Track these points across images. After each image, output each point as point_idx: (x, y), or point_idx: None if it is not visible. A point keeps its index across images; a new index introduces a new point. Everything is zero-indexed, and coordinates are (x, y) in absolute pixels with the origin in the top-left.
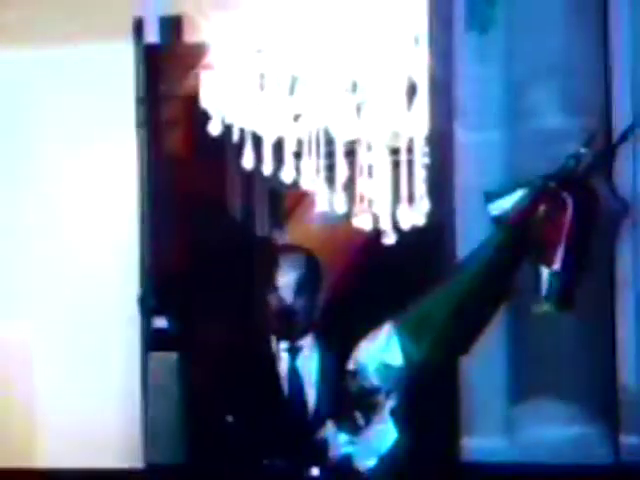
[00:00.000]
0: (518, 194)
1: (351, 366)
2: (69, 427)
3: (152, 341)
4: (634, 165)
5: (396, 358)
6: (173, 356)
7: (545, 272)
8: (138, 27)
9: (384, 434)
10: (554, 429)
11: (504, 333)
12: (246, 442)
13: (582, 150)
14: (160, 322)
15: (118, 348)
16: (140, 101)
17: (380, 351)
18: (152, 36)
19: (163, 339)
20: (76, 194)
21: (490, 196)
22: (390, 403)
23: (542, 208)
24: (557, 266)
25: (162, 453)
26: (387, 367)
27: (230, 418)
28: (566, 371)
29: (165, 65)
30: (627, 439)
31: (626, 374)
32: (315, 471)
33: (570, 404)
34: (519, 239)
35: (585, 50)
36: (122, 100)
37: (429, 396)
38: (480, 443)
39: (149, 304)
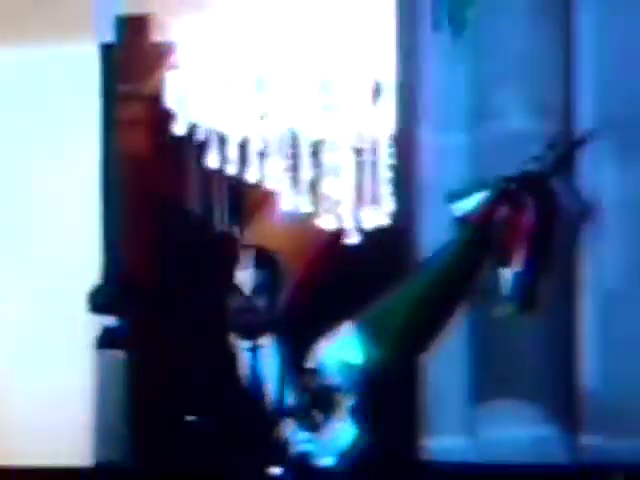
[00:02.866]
0: (481, 195)
1: (311, 364)
2: (18, 424)
3: (101, 339)
4: (595, 167)
5: (356, 357)
6: (121, 354)
7: (507, 273)
8: (102, 27)
9: (343, 432)
10: (514, 429)
11: (465, 333)
12: (204, 441)
13: (544, 152)
14: (110, 320)
15: (69, 345)
16: (104, 100)
17: (340, 350)
18: (115, 35)
19: (112, 337)
20: (38, 192)
21: (453, 196)
22: (349, 402)
23: (504, 209)
24: (518, 267)
25: (112, 451)
26: (347, 366)
27: (190, 417)
28: (526, 371)
29: (130, 64)
30: (586, 439)
31: (586, 375)
32: (275, 469)
33: (530, 404)
34: (481, 240)
35: (549, 52)
36: (86, 99)
37: (389, 395)
38: (440, 443)
39: (99, 301)
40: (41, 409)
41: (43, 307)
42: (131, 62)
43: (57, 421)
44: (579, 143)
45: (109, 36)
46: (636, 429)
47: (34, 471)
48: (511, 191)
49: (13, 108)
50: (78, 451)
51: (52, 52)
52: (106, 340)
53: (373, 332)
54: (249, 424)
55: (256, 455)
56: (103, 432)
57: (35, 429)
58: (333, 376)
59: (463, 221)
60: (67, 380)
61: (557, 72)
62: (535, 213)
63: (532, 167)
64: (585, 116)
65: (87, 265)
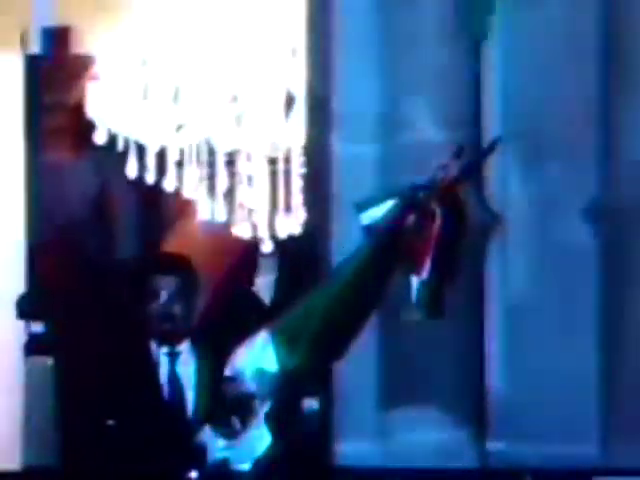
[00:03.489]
0: (388, 204)
1: (228, 372)
2: None
3: (28, 345)
4: (501, 176)
5: (271, 364)
6: (49, 360)
7: (415, 280)
8: (26, 38)
9: (259, 439)
10: (423, 434)
11: (376, 340)
12: (125, 446)
13: (450, 161)
14: (36, 327)
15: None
16: (28, 111)
17: (256, 357)
18: (39, 47)
19: (39, 344)
20: None
21: (361, 206)
22: (265, 408)
23: (411, 218)
24: (425, 275)
25: (39, 455)
26: (262, 373)
27: (110, 422)
28: (435, 378)
29: (53, 75)
30: (493, 445)
31: (493, 381)
32: (193, 475)
33: (439, 410)
34: (389, 248)
35: (457, 63)
36: (10, 110)
37: (302, 402)
38: (351, 448)
39: (25, 308)
40: None
41: None
42: (54, 73)
43: None
44: (485, 152)
45: (38, 47)
46: (540, 434)
47: None
48: (418, 199)
49: None
50: (6, 454)
51: None
52: (33, 346)
53: (287, 340)
54: (168, 429)
55: (175, 460)
56: (31, 436)
57: None
58: (249, 383)
59: (371, 230)
60: None
61: (465, 83)
62: (442, 222)
63: (439, 176)
64: (493, 127)
65: (13, 272)
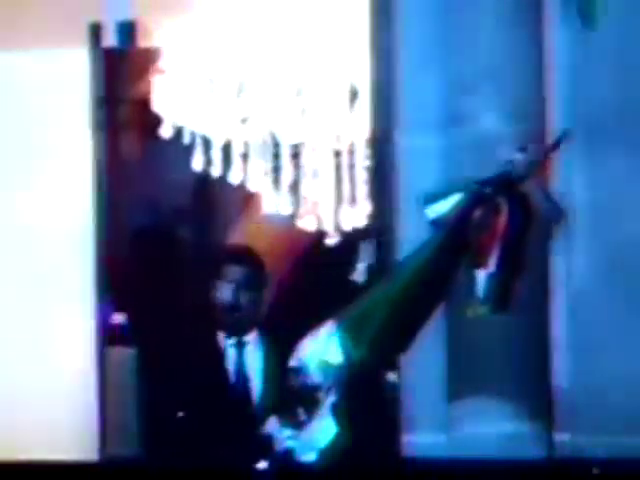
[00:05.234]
0: (455, 198)
1: (293, 363)
2: (26, 420)
3: (110, 336)
4: (567, 169)
5: (336, 356)
6: (130, 351)
7: (481, 275)
8: (94, 31)
9: (325, 429)
10: (490, 426)
11: (443, 332)
12: (194, 436)
13: (517, 155)
14: (118, 318)
15: (76, 342)
16: (96, 104)
17: (321, 349)
18: (108, 40)
19: (120, 334)
20: (32, 196)
21: (427, 199)
22: (330, 399)
23: (478, 212)
24: (492, 269)
25: (117, 446)
26: (327, 364)
27: (180, 413)
28: (502, 370)
29: (119, 69)
30: (560, 436)
31: (559, 374)
32: (260, 465)
33: (505, 402)
34: (455, 242)
35: (522, 54)
36: (78, 103)
37: (368, 393)
38: (419, 439)
39: (107, 300)
40: (48, 405)
41: (50, 304)
42: (121, 67)
43: (64, 417)
44: (552, 146)
45: (107, 41)
46: (607, 425)
47: (40, 465)
48: (485, 194)
49: (8, 112)
50: (85, 446)
51: (43, 55)
52: (115, 337)
53: (352, 332)
54: (236, 420)
55: (241, 451)
56: (111, 427)
57: (42, 424)
58: (315, 375)
59: (438, 223)
60: (73, 377)
61: (530, 74)
62: (508, 215)
63: (506, 171)
64: (557, 118)
65: (89, 264)
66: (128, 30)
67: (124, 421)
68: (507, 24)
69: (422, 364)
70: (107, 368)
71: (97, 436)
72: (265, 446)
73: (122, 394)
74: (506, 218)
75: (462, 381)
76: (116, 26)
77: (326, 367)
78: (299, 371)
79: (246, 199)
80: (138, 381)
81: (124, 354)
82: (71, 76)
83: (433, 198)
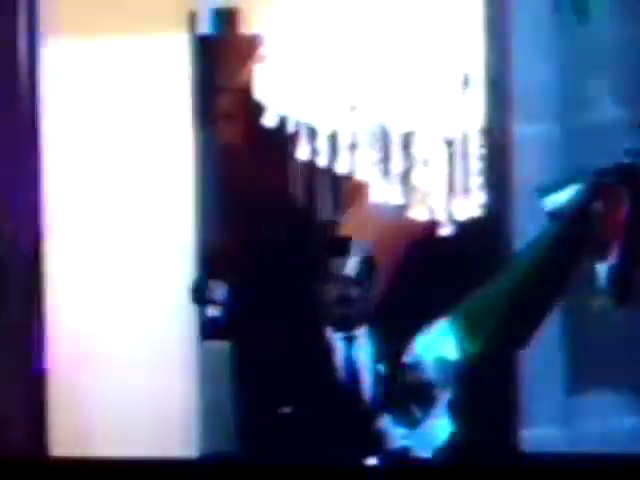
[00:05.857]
0: (573, 189)
1: (407, 358)
2: (125, 416)
3: (205, 330)
4: None
5: (452, 351)
6: (226, 345)
7: (602, 267)
8: (193, 19)
9: (441, 427)
10: (611, 421)
11: (562, 325)
12: (301, 433)
13: (637, 144)
14: (212, 311)
15: (174, 337)
16: (196, 93)
17: (436, 344)
18: (207, 28)
19: (216, 328)
20: (133, 186)
21: (544, 190)
22: (446, 396)
23: (598, 203)
24: (613, 261)
25: (216, 443)
26: (443, 360)
27: (287, 409)
28: (622, 364)
29: (220, 57)
30: None
31: None
32: (372, 462)
33: (626, 396)
34: (574, 234)
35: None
36: (178, 92)
37: (486, 389)
38: (539, 434)
39: (202, 293)
40: (146, 401)
41: (148, 299)
42: (222, 55)
43: (162, 413)
44: None
45: (205, 28)
46: None
47: (139, 462)
48: (605, 184)
49: (106, 100)
50: (183, 444)
51: (142, 43)
52: (210, 331)
53: (469, 327)
54: (345, 416)
55: (351, 448)
56: (208, 423)
57: (141, 421)
58: (430, 371)
59: (556, 215)
60: (171, 372)
61: None
62: (630, 206)
63: (627, 160)
64: None
65: (187, 257)
66: (228, 17)
67: (223, 417)
68: (626, 6)
69: (541, 358)
70: (204, 363)
71: (196, 432)
72: (377, 444)
73: (220, 390)
74: (628, 208)
75: (582, 375)
76: (215, 13)
77: (442, 363)
78: (413, 367)
79: (354, 189)
80: (238, 376)
81: (222, 348)
82: (171, 65)
83: (550, 189)
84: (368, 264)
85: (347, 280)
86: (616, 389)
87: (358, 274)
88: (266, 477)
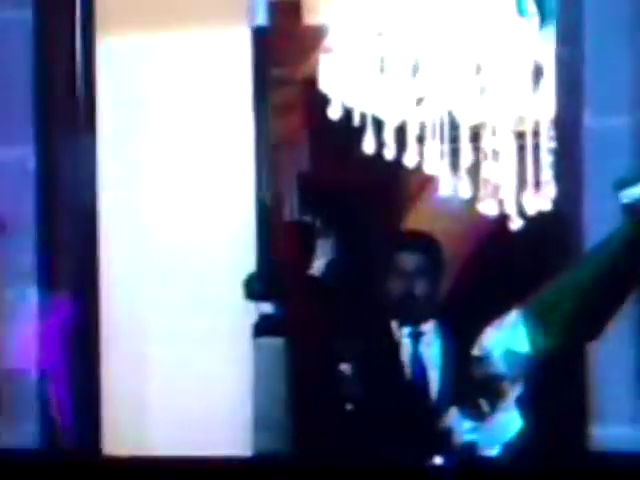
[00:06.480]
0: None
1: (476, 352)
2: (177, 413)
3: (258, 326)
4: None
5: (523, 345)
6: (280, 342)
7: None
8: (254, 9)
9: (509, 422)
10: None
11: (635, 320)
12: (364, 430)
13: None
14: (266, 307)
15: (228, 334)
16: (257, 85)
17: (506, 338)
18: (268, 19)
19: (270, 324)
20: (191, 180)
21: (621, 183)
22: (516, 391)
23: None
24: None
25: (270, 441)
26: (513, 354)
27: (349, 405)
28: None
29: (283, 48)
30: None
31: None
32: (438, 459)
33: None
34: None
35: None
36: (239, 84)
37: (556, 384)
38: (609, 432)
39: (255, 289)
40: (200, 399)
41: (198, 295)
42: (284, 46)
43: (215, 411)
44: None
45: (262, 19)
46: None
47: (192, 460)
48: None
49: (165, 94)
50: (236, 441)
51: (203, 35)
52: (264, 328)
53: (540, 320)
54: (413, 412)
55: (418, 444)
56: (261, 421)
57: (194, 419)
58: (499, 364)
59: (631, 209)
60: (225, 370)
61: None
62: None
63: None
64: None
65: (242, 252)
66: (291, 7)
67: (277, 416)
68: None
69: (612, 355)
70: (257, 359)
71: (250, 430)
72: (444, 440)
73: (274, 387)
74: None
75: None
76: (278, 3)
77: (512, 357)
78: (483, 361)
79: (422, 182)
80: (293, 373)
81: (277, 345)
82: (233, 57)
83: (627, 182)
84: (435, 258)
85: (414, 275)
86: None
87: (425, 268)
88: (321, 478)
